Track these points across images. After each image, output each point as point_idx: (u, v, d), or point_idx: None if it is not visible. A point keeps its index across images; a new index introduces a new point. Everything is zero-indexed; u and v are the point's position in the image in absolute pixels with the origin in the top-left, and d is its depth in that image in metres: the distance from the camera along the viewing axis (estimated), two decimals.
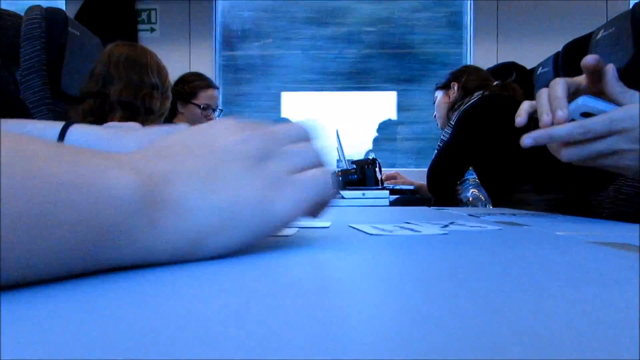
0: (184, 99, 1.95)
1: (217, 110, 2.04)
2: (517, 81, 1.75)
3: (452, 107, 1.77)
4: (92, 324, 0.15)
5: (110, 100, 1.26)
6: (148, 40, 2.55)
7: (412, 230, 0.45)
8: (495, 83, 1.73)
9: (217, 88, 2.06)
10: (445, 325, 0.15)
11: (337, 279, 0.24)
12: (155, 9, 2.64)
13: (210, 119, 1.98)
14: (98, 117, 1.24)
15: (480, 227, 0.48)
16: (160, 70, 1.37)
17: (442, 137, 1.77)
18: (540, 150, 0.57)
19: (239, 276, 0.24)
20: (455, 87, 1.80)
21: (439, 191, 1.66)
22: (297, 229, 0.46)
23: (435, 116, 1.93)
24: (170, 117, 1.88)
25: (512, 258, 0.30)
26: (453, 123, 1.70)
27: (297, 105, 3.07)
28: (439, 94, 1.89)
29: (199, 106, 1.95)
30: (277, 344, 0.13)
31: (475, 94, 1.70)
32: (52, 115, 1.36)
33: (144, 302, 0.19)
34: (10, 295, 0.19)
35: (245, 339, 0.14)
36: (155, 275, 0.24)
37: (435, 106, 1.91)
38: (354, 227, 0.48)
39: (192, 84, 1.97)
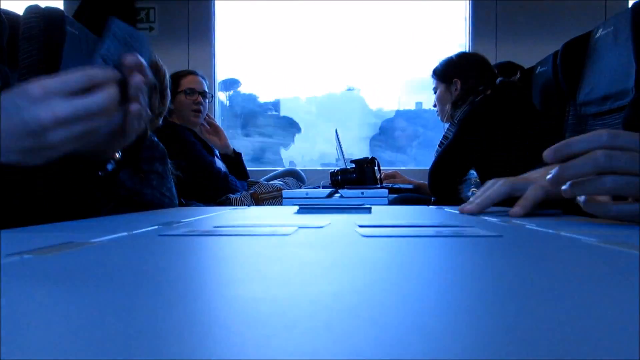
0: (171, 94, 1.92)
1: (208, 95, 2.00)
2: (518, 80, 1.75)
3: (454, 105, 1.74)
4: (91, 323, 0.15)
5: None
6: None
7: (408, 235, 0.45)
8: (498, 80, 1.71)
9: (198, 75, 2.01)
10: (445, 325, 0.15)
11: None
12: (153, 8, 2.63)
13: (199, 103, 1.95)
14: None
15: (478, 234, 0.48)
16: (158, 70, 1.37)
17: (444, 133, 1.77)
18: (541, 151, 0.56)
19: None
20: (458, 85, 1.75)
21: (441, 190, 1.66)
22: (297, 227, 0.46)
23: (435, 105, 1.89)
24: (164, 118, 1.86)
25: (512, 257, 0.30)
26: (456, 122, 1.69)
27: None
28: (440, 87, 1.82)
29: (182, 92, 1.92)
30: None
31: (480, 95, 1.68)
32: None
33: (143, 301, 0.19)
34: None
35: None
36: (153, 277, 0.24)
37: (435, 98, 1.85)
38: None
39: (173, 77, 1.95)
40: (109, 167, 0.71)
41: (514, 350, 0.13)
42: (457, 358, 0.12)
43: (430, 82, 1.89)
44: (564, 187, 0.53)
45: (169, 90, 1.42)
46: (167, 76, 1.41)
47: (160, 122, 1.41)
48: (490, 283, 0.23)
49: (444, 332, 0.14)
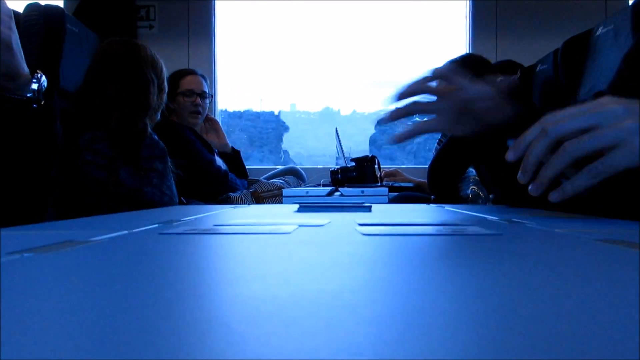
0: (171, 94, 1.91)
1: (207, 95, 1.99)
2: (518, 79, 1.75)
3: None
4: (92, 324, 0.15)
5: (107, 97, 1.25)
6: (147, 37, 2.53)
7: (407, 234, 0.45)
8: (498, 80, 1.71)
9: (197, 74, 2.01)
10: (444, 324, 0.15)
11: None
12: (153, 6, 2.63)
13: (197, 105, 1.94)
14: (96, 115, 1.24)
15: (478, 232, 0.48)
16: (155, 64, 1.36)
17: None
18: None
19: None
20: None
21: (440, 188, 1.66)
22: (297, 226, 0.46)
23: None
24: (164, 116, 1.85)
25: (512, 256, 0.30)
26: None
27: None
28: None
29: (180, 93, 1.92)
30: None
31: None
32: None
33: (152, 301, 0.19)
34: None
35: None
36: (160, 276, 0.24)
37: None
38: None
39: (172, 77, 1.94)
40: (33, 87, 0.69)
41: (514, 350, 0.13)
42: (457, 358, 0.12)
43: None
44: (530, 187, 0.50)
45: (166, 83, 1.42)
46: (164, 70, 1.41)
47: (159, 117, 1.40)
48: (491, 282, 0.22)
49: (443, 331, 0.14)
